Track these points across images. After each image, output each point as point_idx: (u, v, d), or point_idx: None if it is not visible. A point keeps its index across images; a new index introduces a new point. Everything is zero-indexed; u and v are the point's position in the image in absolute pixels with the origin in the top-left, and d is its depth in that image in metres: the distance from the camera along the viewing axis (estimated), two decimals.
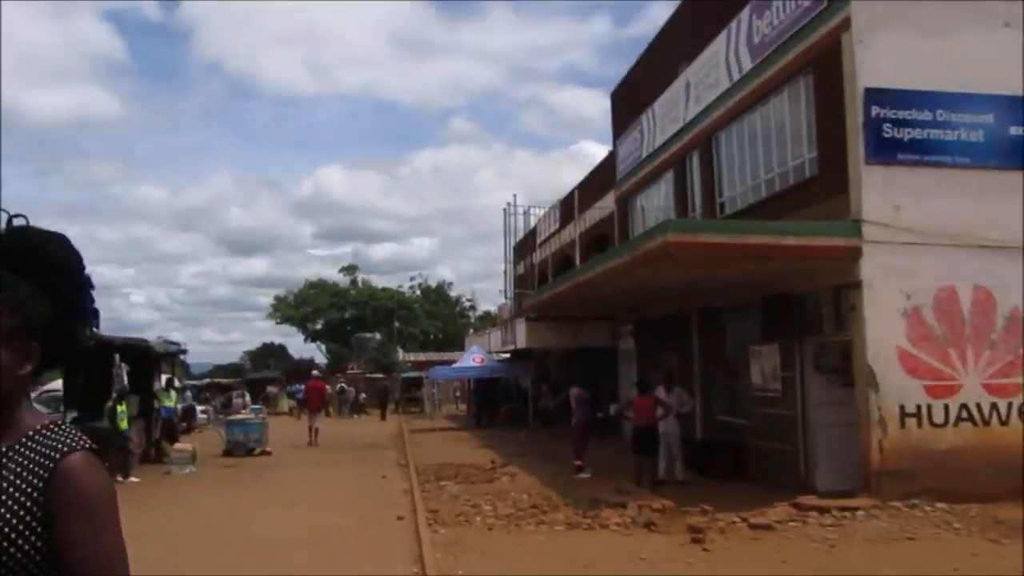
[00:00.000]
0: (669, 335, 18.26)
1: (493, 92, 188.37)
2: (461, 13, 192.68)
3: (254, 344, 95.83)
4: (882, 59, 10.91)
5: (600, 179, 24.18)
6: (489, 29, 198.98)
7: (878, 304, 10.62)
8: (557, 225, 27.75)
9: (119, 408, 13.78)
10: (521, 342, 22.59)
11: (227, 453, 18.20)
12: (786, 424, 12.25)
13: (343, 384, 41.48)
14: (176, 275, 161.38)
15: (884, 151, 10.89)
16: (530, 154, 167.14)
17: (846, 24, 11.04)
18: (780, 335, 12.47)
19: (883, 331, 10.57)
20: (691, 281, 13.39)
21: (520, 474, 13.97)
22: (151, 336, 18.60)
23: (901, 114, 10.95)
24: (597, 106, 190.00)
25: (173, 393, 17.91)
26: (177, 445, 15.63)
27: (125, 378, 14.42)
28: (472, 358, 27.38)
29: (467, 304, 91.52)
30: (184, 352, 21.58)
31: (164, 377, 19.30)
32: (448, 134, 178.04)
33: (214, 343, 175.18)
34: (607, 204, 22.93)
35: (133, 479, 13.75)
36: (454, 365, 29.41)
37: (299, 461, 17.27)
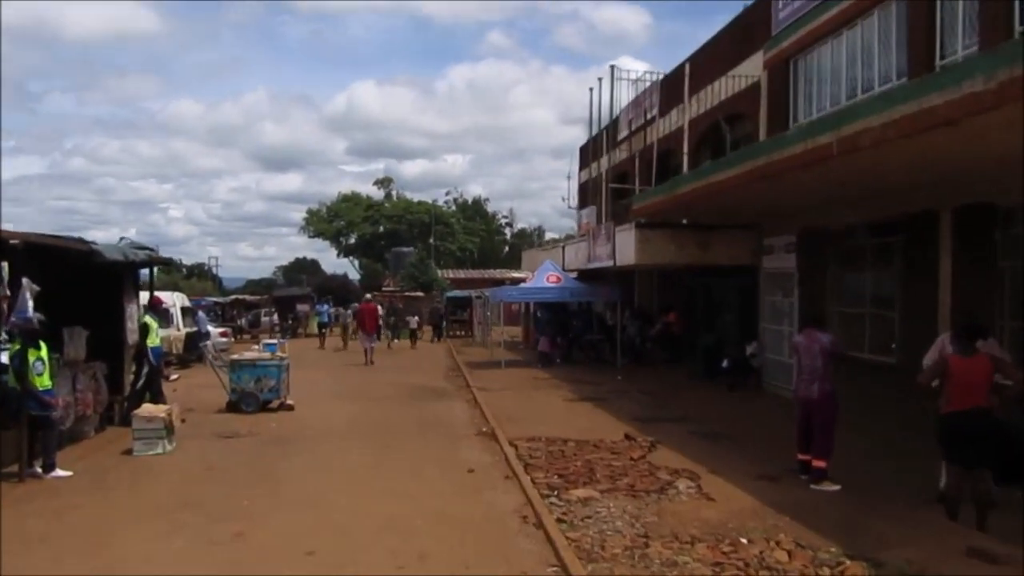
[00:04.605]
0: (878, 250, 12.46)
1: (531, 7, 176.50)
2: None
3: (288, 259, 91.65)
4: None
5: (730, 44, 18.01)
6: None
7: None
8: (655, 112, 21.48)
9: (32, 354, 8.25)
10: (627, 256, 16.77)
11: (232, 407, 12.89)
12: None
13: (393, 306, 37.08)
14: (212, 190, 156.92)
15: None
16: (567, 70, 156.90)
17: None
18: None
19: None
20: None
21: (703, 474, 8.32)
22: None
23: None
24: (638, 22, 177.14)
25: (155, 323, 12.25)
26: (145, 408, 10.00)
27: (31, 305, 8.44)
28: (546, 276, 21.68)
29: (504, 221, 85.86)
30: (167, 262, 16.00)
31: (160, 298, 13.81)
32: (484, 49, 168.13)
33: (250, 258, 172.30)
34: (747, 71, 16.82)
35: (60, 472, 8.31)
36: (524, 285, 23.72)
37: (333, 426, 11.84)
